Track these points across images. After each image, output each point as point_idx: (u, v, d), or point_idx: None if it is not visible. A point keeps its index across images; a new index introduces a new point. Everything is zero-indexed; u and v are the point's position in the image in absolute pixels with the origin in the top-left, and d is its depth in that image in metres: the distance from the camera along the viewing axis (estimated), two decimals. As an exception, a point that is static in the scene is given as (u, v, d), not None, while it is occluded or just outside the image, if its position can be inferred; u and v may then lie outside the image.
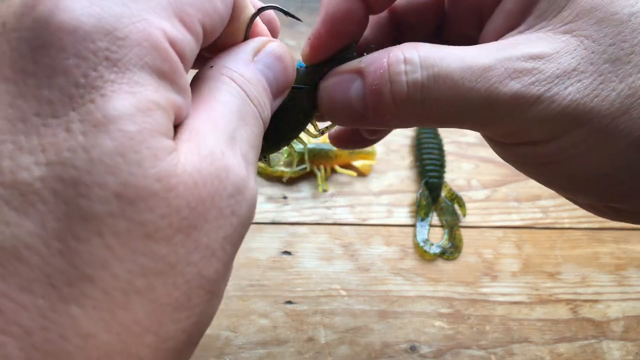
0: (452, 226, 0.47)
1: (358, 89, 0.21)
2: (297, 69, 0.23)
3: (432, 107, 0.20)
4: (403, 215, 0.48)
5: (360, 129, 0.29)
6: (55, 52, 0.14)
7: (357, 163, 0.49)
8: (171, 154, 0.15)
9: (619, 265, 0.48)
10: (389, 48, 0.21)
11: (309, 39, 0.23)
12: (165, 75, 0.15)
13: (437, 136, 0.51)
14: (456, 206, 0.49)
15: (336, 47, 0.24)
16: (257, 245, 0.43)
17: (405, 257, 0.45)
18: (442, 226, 0.48)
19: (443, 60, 0.20)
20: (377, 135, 0.30)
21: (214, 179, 0.15)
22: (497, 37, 0.22)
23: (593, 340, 0.43)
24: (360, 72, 0.21)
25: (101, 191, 0.13)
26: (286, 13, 0.23)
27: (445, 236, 0.47)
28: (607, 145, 0.20)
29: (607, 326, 0.44)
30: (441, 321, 0.42)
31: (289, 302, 0.41)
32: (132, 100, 0.14)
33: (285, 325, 0.40)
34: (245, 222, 0.17)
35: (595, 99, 0.19)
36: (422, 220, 0.47)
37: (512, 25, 0.22)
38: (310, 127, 0.25)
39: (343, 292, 0.42)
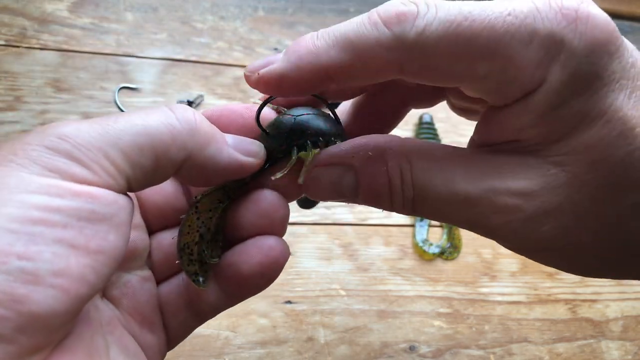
0: (451, 226, 0.47)
1: (350, 181, 0.22)
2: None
3: (422, 214, 0.22)
4: (402, 215, 0.48)
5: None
6: None
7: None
8: None
9: (618, 265, 0.48)
10: (383, 151, 0.21)
11: None
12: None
13: (436, 136, 0.51)
14: (455, 206, 0.49)
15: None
16: (257, 246, 0.43)
17: (405, 257, 0.45)
18: (441, 226, 0.48)
19: (432, 182, 0.21)
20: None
21: None
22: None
23: (592, 340, 0.44)
24: (352, 167, 0.22)
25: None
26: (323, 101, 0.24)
27: (444, 236, 0.47)
28: (587, 263, 0.21)
29: (605, 326, 0.44)
30: (440, 321, 0.42)
31: (289, 302, 0.41)
32: None
33: (285, 325, 0.40)
34: None
35: (568, 236, 0.20)
36: (421, 220, 0.47)
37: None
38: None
39: (342, 292, 0.42)
